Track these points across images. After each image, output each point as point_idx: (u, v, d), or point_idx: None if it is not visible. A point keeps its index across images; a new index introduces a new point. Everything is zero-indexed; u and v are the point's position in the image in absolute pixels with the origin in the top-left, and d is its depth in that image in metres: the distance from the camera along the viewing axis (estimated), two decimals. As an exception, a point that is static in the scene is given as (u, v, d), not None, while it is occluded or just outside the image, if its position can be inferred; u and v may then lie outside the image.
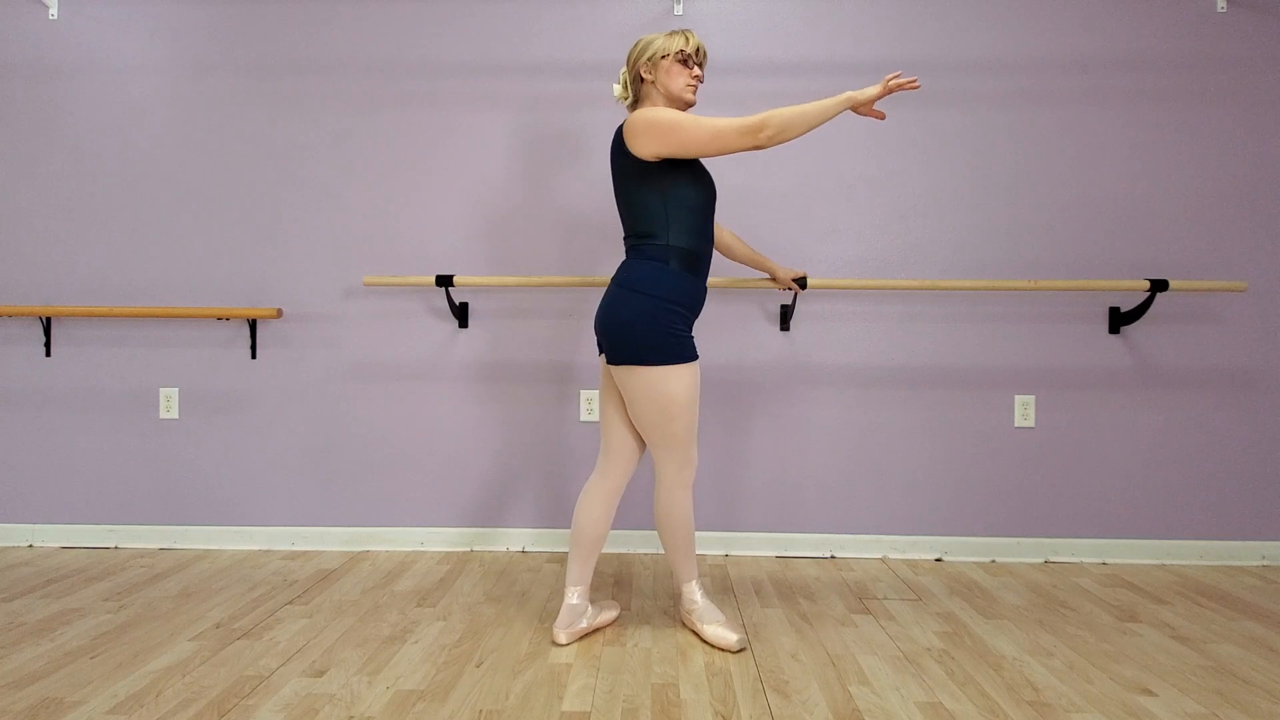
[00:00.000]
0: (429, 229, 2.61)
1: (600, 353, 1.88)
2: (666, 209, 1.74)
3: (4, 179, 2.64)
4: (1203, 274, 2.56)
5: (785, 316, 2.55)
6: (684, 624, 1.95)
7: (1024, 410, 2.56)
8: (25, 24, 2.63)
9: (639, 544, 2.61)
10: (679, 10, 2.58)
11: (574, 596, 1.87)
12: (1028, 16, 2.57)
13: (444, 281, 2.46)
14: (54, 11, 2.62)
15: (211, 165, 2.63)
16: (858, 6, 2.58)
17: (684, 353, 1.74)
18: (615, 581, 2.31)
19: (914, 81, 1.68)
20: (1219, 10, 2.54)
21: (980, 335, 2.58)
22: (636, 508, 2.62)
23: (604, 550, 2.61)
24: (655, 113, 1.70)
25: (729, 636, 1.80)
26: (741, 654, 1.79)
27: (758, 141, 1.65)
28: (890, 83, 1.67)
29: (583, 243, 2.60)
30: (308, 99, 2.62)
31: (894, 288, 2.40)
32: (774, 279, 2.27)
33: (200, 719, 1.46)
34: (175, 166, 2.63)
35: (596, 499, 1.86)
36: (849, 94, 1.68)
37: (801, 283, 2.29)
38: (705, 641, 1.85)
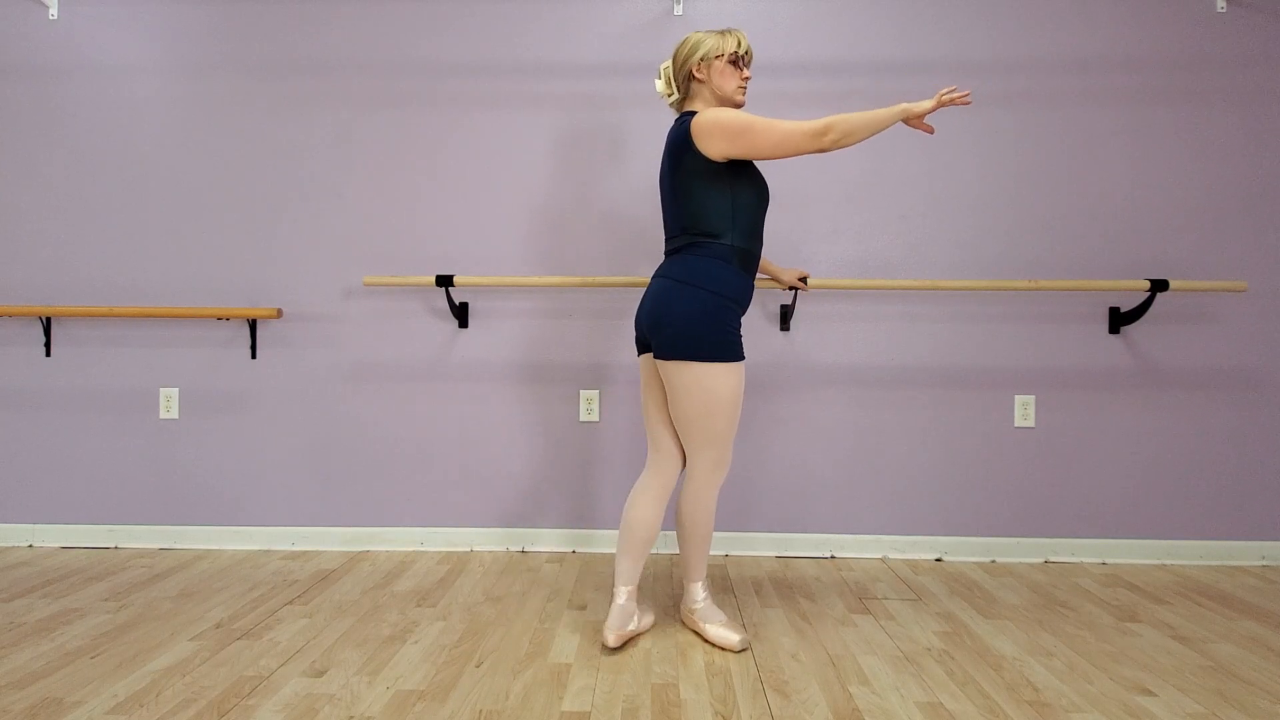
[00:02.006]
0: (429, 229, 2.61)
1: (641, 352, 1.88)
2: (733, 210, 1.75)
3: (4, 179, 2.64)
4: (1203, 274, 2.56)
5: (785, 316, 2.55)
6: (685, 623, 1.94)
7: (1024, 410, 2.56)
8: (25, 24, 2.63)
9: (639, 544, 2.61)
10: (679, 10, 2.58)
11: (622, 597, 1.83)
12: (1028, 16, 2.57)
13: (444, 281, 2.46)
14: (54, 11, 2.62)
15: (211, 165, 2.63)
16: (858, 6, 2.58)
17: (737, 351, 1.74)
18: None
19: (966, 96, 1.69)
20: (1219, 10, 2.54)
21: (980, 335, 2.58)
22: (636, 508, 2.62)
23: (603, 550, 2.61)
24: (725, 114, 1.70)
25: (732, 637, 1.80)
26: (741, 654, 1.79)
27: (822, 145, 1.66)
28: (943, 97, 1.68)
29: (583, 243, 2.60)
30: (308, 99, 2.62)
31: (894, 288, 2.40)
32: (778, 280, 2.29)
33: (200, 719, 1.46)
34: (175, 166, 2.63)
35: (649, 498, 1.83)
36: (904, 105, 1.68)
37: (803, 280, 2.32)
38: (708, 641, 1.85)
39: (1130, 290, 2.48)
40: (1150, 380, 2.56)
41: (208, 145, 2.63)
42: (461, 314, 2.58)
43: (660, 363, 1.78)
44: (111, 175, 2.63)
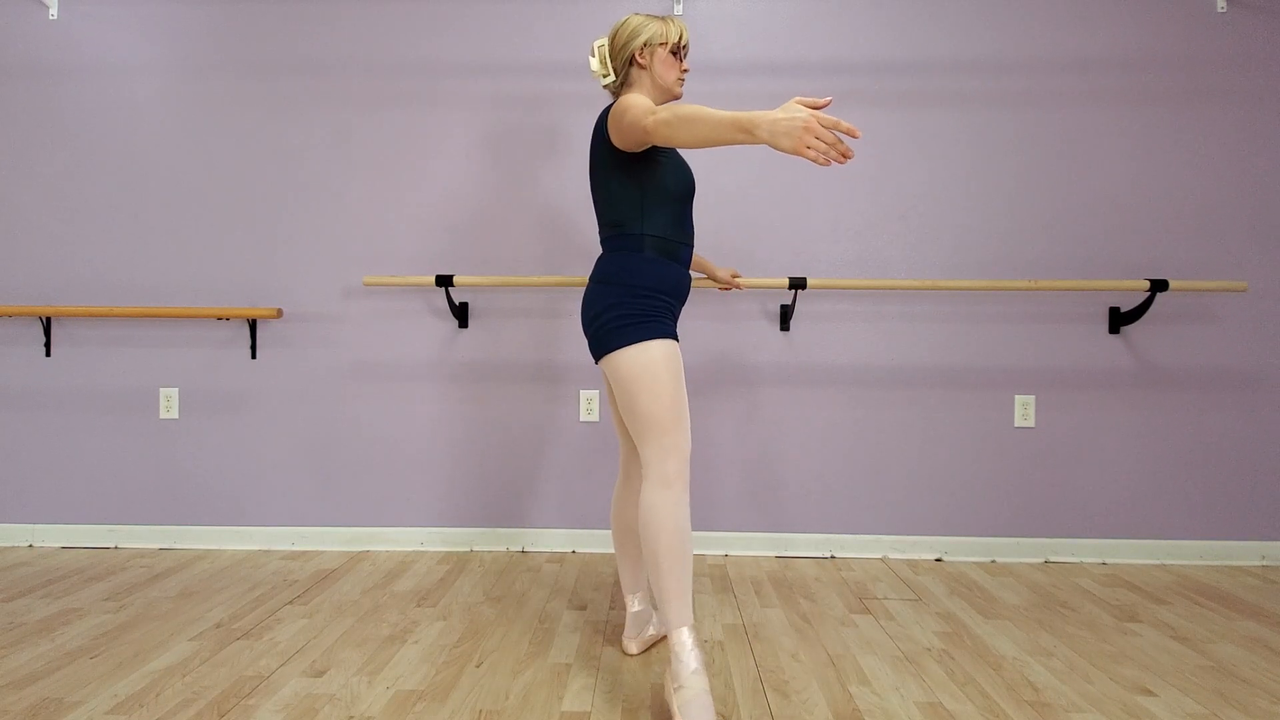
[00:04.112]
0: (429, 229, 2.61)
1: None
2: (643, 200, 1.63)
3: (4, 179, 2.64)
4: (1203, 274, 2.56)
5: (785, 316, 2.55)
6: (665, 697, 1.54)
7: (1024, 410, 2.56)
8: (25, 24, 2.63)
9: (639, 544, 2.61)
10: (678, 10, 2.58)
11: (635, 604, 1.79)
12: (1028, 16, 2.57)
13: (444, 281, 2.46)
14: (54, 11, 2.62)
15: (211, 165, 2.63)
16: (858, 6, 2.58)
17: (651, 330, 1.57)
18: (616, 582, 2.31)
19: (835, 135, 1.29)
20: (1219, 10, 2.54)
21: (980, 335, 2.58)
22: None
23: (602, 550, 2.61)
24: (624, 100, 1.55)
25: None
26: (741, 653, 1.79)
27: (644, 124, 1.44)
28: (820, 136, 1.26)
29: (583, 242, 2.60)
30: (308, 99, 2.62)
31: (894, 288, 2.40)
32: (712, 278, 2.18)
33: (200, 719, 1.46)
34: (175, 166, 2.63)
35: (623, 503, 1.80)
36: (745, 117, 1.29)
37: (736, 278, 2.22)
38: None
39: (1130, 290, 2.48)
40: (1150, 380, 2.56)
41: (208, 145, 2.63)
42: (461, 314, 2.58)
43: (600, 367, 1.70)
44: (111, 175, 2.63)
